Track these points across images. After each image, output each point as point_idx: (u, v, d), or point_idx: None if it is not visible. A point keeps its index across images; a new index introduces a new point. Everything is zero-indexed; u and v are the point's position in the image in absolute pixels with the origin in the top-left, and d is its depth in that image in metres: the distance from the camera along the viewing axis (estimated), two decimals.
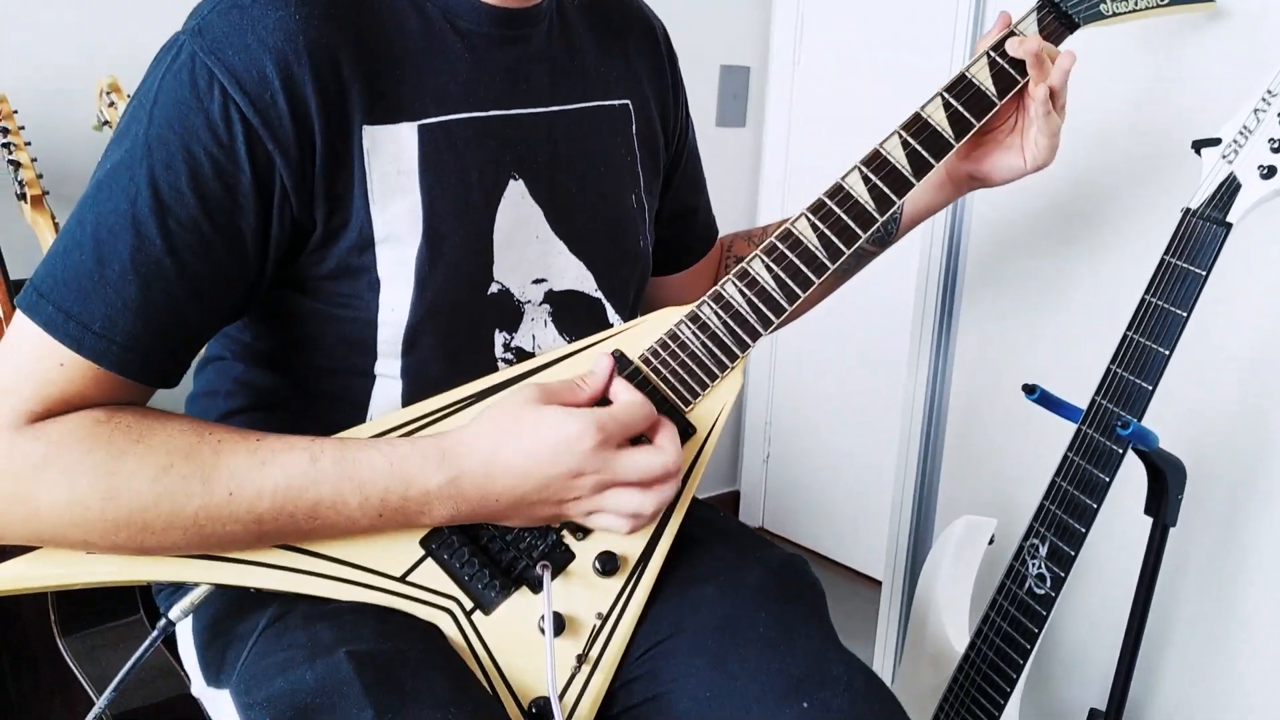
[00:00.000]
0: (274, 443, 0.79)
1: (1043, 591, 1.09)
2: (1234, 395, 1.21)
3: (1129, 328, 1.03)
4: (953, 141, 0.97)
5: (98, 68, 1.51)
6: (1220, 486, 1.23)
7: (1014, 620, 1.11)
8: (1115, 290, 1.30)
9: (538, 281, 0.92)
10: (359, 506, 0.79)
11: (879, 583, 2.37)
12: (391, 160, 0.83)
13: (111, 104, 1.43)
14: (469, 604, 0.85)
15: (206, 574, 0.81)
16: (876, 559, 2.42)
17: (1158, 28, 1.24)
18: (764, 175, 2.56)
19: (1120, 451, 1.04)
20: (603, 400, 0.85)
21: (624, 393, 0.85)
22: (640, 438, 0.83)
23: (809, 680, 0.81)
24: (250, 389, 0.93)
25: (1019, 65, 1.00)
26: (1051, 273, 1.40)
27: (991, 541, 1.25)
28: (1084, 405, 1.07)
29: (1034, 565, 1.10)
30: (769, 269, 0.92)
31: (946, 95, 0.98)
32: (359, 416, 0.89)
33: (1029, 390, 1.09)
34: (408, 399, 0.88)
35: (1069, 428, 1.09)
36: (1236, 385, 1.21)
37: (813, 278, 0.92)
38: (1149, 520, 1.10)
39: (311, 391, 0.91)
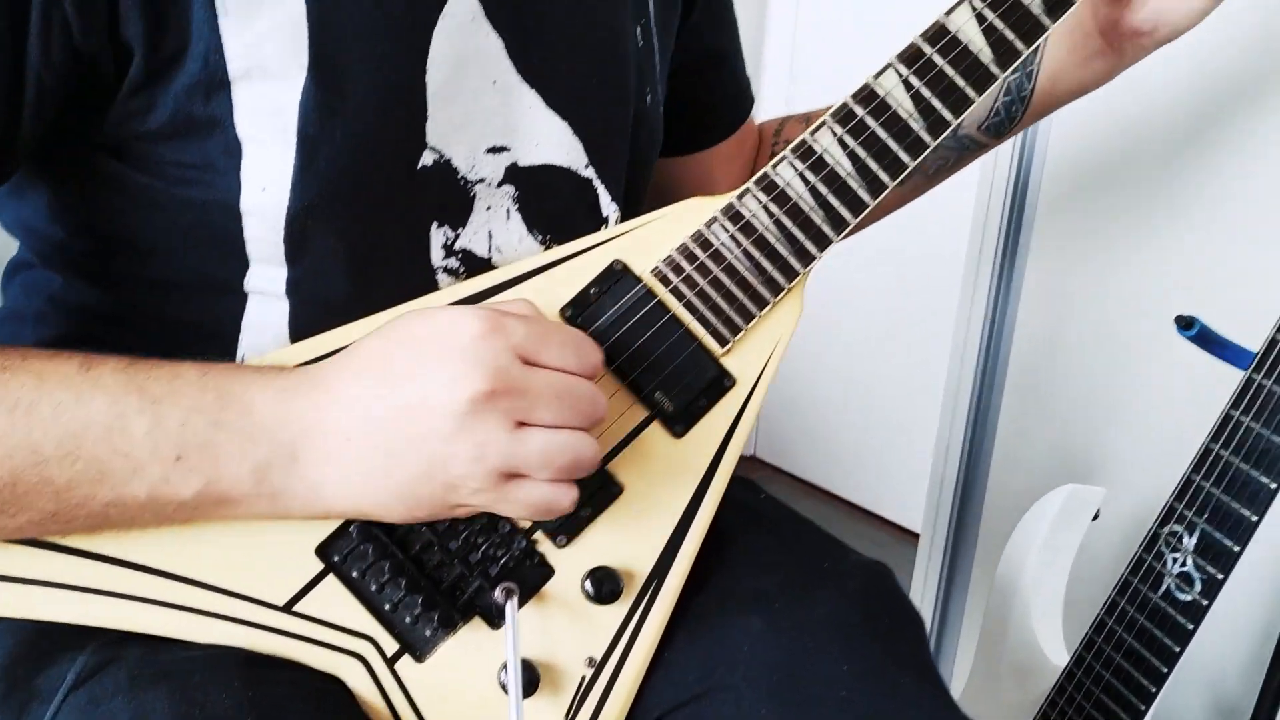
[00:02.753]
0: (27, 353, 0.50)
1: (1188, 598, 0.80)
2: None
3: None
4: None
5: None
6: None
7: (1143, 633, 0.83)
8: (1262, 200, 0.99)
9: (496, 150, 0.62)
10: (145, 437, 0.49)
11: (901, 530, 2.10)
12: None
13: None
14: (392, 646, 0.56)
15: None
16: (899, 501, 2.13)
17: None
18: (769, 32, 2.20)
19: None
20: None
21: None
22: None
23: None
24: (69, 312, 0.62)
25: None
26: (1170, 179, 1.08)
27: (1096, 517, 0.96)
28: (1255, 348, 0.78)
29: (1175, 562, 0.81)
30: (843, 145, 0.62)
31: None
32: (225, 355, 0.59)
33: (1185, 324, 0.79)
34: (299, 329, 0.58)
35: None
36: None
37: (906, 159, 0.62)
38: None
39: (155, 318, 0.60)
